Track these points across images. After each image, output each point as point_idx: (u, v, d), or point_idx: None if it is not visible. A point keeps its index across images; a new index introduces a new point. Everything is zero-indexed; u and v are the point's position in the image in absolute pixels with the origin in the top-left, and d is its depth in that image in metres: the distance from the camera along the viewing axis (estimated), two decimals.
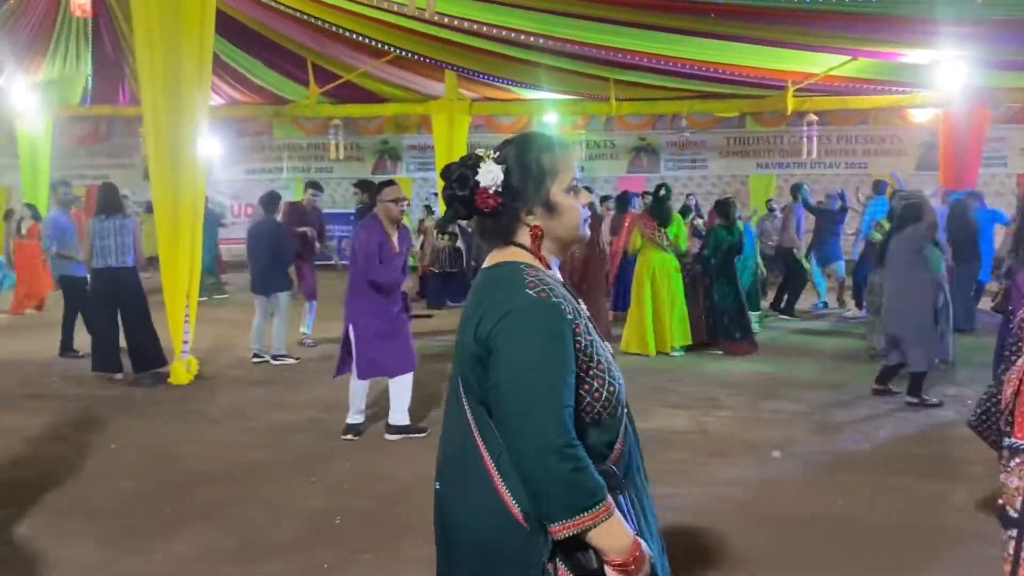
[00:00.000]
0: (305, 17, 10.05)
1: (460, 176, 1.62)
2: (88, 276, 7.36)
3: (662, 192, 8.27)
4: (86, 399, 6.59)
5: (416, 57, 11.26)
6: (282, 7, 9.84)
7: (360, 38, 10.61)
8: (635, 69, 10.59)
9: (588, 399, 1.56)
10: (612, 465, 1.59)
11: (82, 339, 7.77)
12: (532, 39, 9.46)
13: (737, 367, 7.74)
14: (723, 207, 8.52)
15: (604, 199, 10.08)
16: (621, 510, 1.54)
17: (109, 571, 3.58)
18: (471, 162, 1.63)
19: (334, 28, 10.31)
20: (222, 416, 6.11)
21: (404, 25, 9.44)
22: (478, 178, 1.60)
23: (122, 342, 7.23)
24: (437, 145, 13.47)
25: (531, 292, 1.53)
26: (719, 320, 8.36)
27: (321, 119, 14.42)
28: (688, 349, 8.31)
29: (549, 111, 13.53)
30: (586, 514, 1.46)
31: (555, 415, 1.47)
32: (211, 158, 13.72)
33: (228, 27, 10.29)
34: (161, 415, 6.14)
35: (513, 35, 9.34)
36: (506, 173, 1.61)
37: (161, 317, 7.00)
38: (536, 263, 1.63)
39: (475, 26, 9.19)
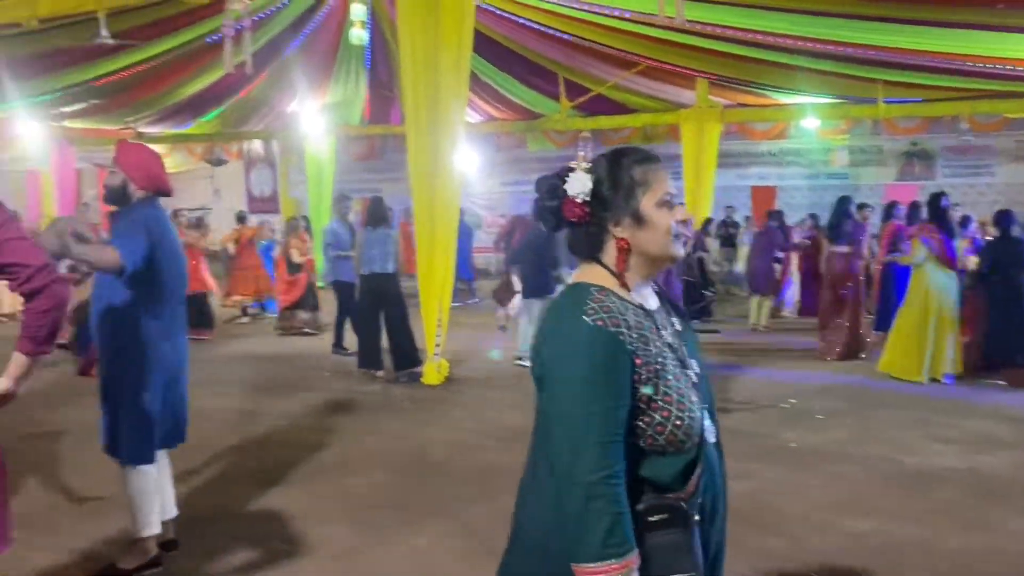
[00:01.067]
0: (557, 34, 10.29)
1: (550, 186, 1.62)
2: (357, 281, 8.07)
3: (942, 201, 7.52)
4: (351, 393, 7.20)
5: (666, 66, 11.12)
6: (536, 25, 10.16)
7: (610, 50, 10.67)
8: (908, 69, 9.67)
9: (649, 431, 1.52)
10: (682, 500, 1.52)
11: (351, 338, 8.52)
12: (789, 42, 8.98)
13: (1021, 400, 6.82)
14: (1005, 218, 7.57)
15: (861, 207, 9.30)
16: (680, 548, 1.49)
17: (357, 557, 3.85)
18: (562, 173, 1.62)
19: (585, 42, 10.47)
20: (467, 417, 6.40)
21: (653, 35, 9.36)
22: (566, 187, 1.59)
23: (385, 342, 7.86)
24: (685, 154, 13.22)
25: (587, 319, 1.50)
26: (1000, 345, 7.40)
27: (571, 132, 14.70)
28: (960, 377, 7.45)
29: (808, 115, 12.78)
30: (600, 564, 1.43)
31: (592, 449, 1.44)
32: (468, 172, 14.55)
33: (486, 47, 10.81)
34: (413, 413, 6.56)
35: (768, 39, 8.91)
36: (595, 183, 1.59)
37: (418, 321, 7.50)
38: (613, 285, 1.59)
39: (727, 31, 8.89)
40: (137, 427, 3.44)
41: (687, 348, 1.67)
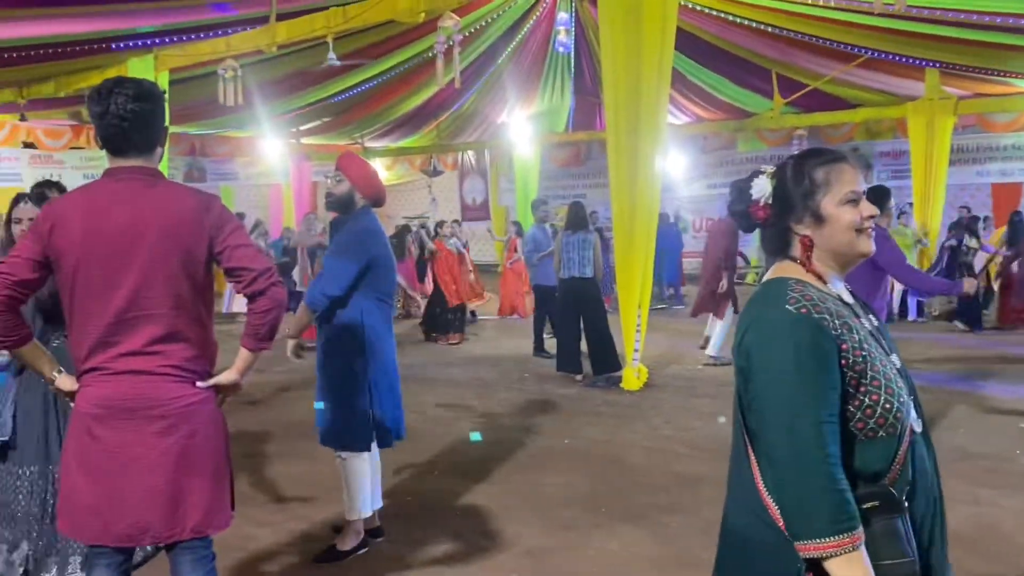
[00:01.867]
0: (769, 29, 9.89)
1: (739, 190, 1.74)
2: (557, 285, 8.21)
3: None
4: (549, 395, 7.32)
5: (890, 57, 10.34)
6: (746, 21, 9.82)
7: (827, 43, 10.10)
8: None
9: (859, 415, 1.54)
10: (889, 486, 1.55)
11: (552, 342, 8.66)
12: None
13: None
14: None
15: None
16: (895, 534, 1.50)
17: (550, 556, 3.89)
18: (750, 177, 1.73)
19: (799, 36, 9.98)
20: (666, 424, 6.29)
21: (874, 24, 8.73)
22: (751, 191, 1.70)
23: (584, 346, 7.93)
24: (913, 150, 12.22)
25: (791, 308, 1.56)
26: None
27: (785, 130, 14.07)
28: None
29: None
30: (829, 539, 1.44)
31: (811, 429, 1.48)
32: (673, 174, 14.32)
33: (692, 47, 10.61)
34: (611, 417, 6.55)
35: (1008, 20, 8.03)
36: (778, 186, 1.69)
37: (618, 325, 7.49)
38: (807, 278, 1.65)
39: (958, 15, 8.11)
40: (355, 417, 3.72)
41: (886, 342, 1.70)
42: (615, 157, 7.21)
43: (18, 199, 3.42)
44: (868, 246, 1.66)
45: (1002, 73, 10.66)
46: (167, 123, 2.44)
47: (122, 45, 8.70)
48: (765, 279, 1.71)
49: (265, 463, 5.25)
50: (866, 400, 1.54)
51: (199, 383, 2.39)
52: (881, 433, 1.55)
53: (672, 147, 13.01)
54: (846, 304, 1.65)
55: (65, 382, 2.40)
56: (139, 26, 8.10)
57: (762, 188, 1.70)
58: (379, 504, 4.01)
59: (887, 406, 1.54)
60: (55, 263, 2.28)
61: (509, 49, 11.78)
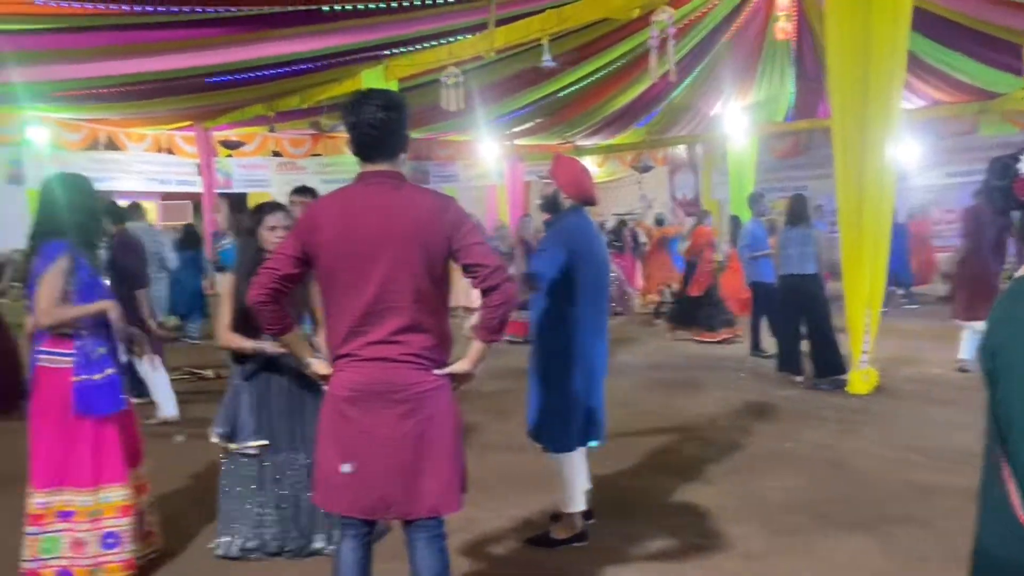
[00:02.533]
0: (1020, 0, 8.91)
1: (1003, 165, 1.56)
2: (776, 282, 7.88)
3: None
4: (768, 396, 7.05)
5: None
6: None
7: None
8: None
9: None
10: None
11: (770, 340, 8.34)
12: None
13: None
14: None
15: None
16: None
17: (772, 561, 3.77)
18: (1019, 152, 1.55)
19: None
20: (899, 431, 5.86)
21: None
22: (1020, 166, 1.51)
23: (805, 346, 7.56)
24: None
25: None
26: None
27: None
28: None
29: None
30: None
31: None
32: (907, 163, 13.26)
33: (927, 24, 9.77)
34: (836, 421, 6.21)
35: None
36: None
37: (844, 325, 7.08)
38: None
39: None
40: (558, 417, 3.81)
41: None
42: (842, 147, 6.80)
43: (268, 208, 3.78)
44: None
45: None
46: (407, 130, 2.63)
47: (357, 58, 9.43)
48: (1019, 274, 1.55)
49: (487, 451, 5.49)
50: None
51: (436, 371, 2.56)
52: None
53: (905, 134, 12.05)
54: None
55: (320, 366, 2.67)
56: (371, 39, 8.74)
57: None
58: (586, 486, 4.06)
59: None
60: (313, 260, 2.54)
61: (724, 39, 11.46)
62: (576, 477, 3.90)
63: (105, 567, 3.40)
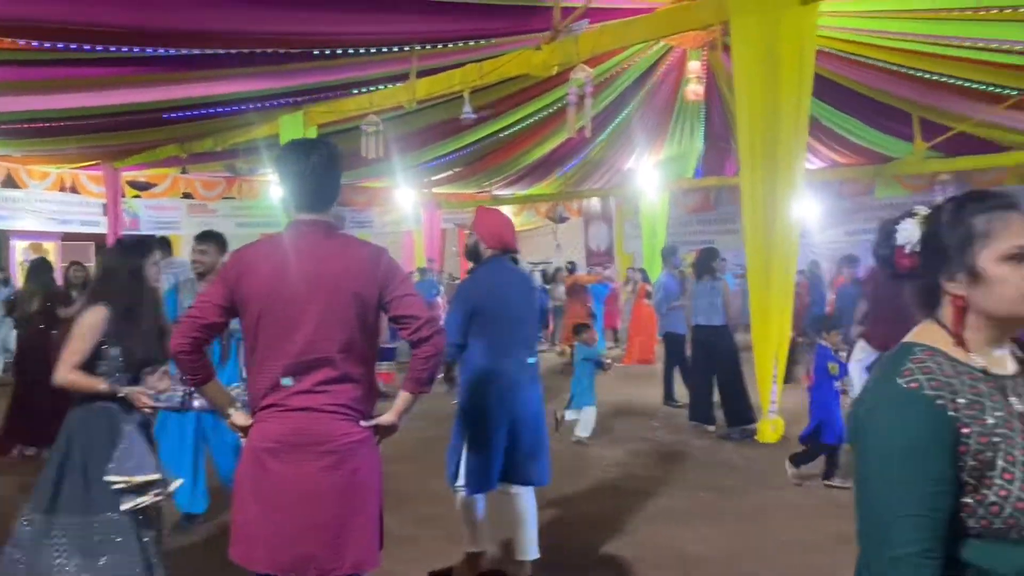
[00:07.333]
0: (910, 72, 9.56)
1: (886, 233, 1.52)
2: (687, 334, 8.09)
3: None
4: (681, 445, 7.19)
5: None
6: (885, 64, 9.53)
7: (974, 85, 9.65)
8: None
9: (982, 512, 1.35)
10: None
11: (682, 390, 8.52)
12: None
13: None
14: None
15: None
16: None
17: None
18: (900, 218, 1.51)
19: (943, 78, 9.58)
20: (803, 479, 6.05)
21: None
22: (896, 235, 1.49)
23: (717, 396, 7.75)
24: None
25: (901, 382, 1.38)
26: None
27: (927, 175, 13.45)
28: None
29: None
30: None
31: (900, 522, 1.33)
32: (808, 221, 13.90)
33: (828, 90, 10.36)
34: (746, 470, 6.37)
35: None
36: (930, 232, 1.46)
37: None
38: (945, 345, 1.43)
39: None
40: (473, 459, 3.87)
41: None
42: (750, 204, 7.08)
43: (150, 246, 3.49)
44: None
45: None
46: None
47: (276, 103, 9.34)
48: (902, 341, 1.52)
49: (405, 501, 5.38)
50: (991, 495, 1.34)
51: (362, 422, 2.53)
52: (1013, 535, 1.34)
53: (807, 193, 12.66)
54: (994, 379, 1.42)
55: (240, 417, 2.59)
56: (291, 84, 8.68)
57: (908, 234, 1.48)
58: (530, 556, 4.06)
59: (1020, 504, 1.32)
60: (241, 308, 2.48)
61: (638, 98, 11.87)
62: (478, 519, 4.02)
63: None
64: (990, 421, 1.36)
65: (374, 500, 2.55)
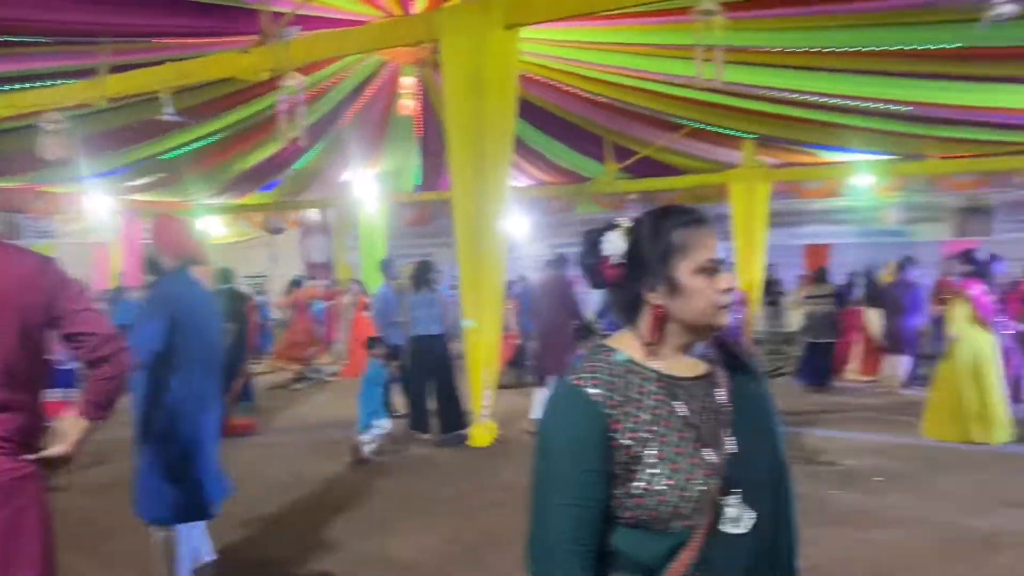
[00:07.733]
0: (602, 99, 10.49)
1: (592, 243, 1.55)
2: (404, 344, 8.17)
3: (980, 256, 7.42)
4: (397, 455, 7.26)
5: (711, 128, 11.21)
6: (580, 91, 10.37)
7: (655, 114, 10.82)
8: (957, 124, 9.60)
9: (628, 504, 1.44)
10: None
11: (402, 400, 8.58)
12: (835, 100, 9.01)
13: None
14: None
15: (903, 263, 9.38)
16: None
17: None
18: (605, 228, 1.55)
19: (629, 106, 10.64)
20: (514, 477, 6.35)
21: (697, 98, 9.47)
22: (601, 247, 1.53)
23: (433, 404, 7.91)
24: (735, 214, 13.20)
25: (571, 379, 1.48)
26: None
27: (619, 194, 14.81)
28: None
29: (860, 173, 12.67)
30: None
31: (553, 512, 1.42)
32: (517, 235, 14.70)
33: (533, 114, 11.06)
34: (460, 473, 6.56)
35: (813, 98, 8.96)
36: (631, 245, 1.51)
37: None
38: (636, 350, 1.52)
39: (771, 92, 8.97)
40: (159, 490, 3.56)
41: (740, 423, 1.52)
42: (461, 218, 7.34)
43: None
44: (723, 320, 1.50)
45: (809, 145, 11.80)
46: None
47: None
48: (596, 343, 1.60)
49: (101, 539, 4.87)
50: (635, 488, 1.42)
51: (27, 456, 2.22)
52: (656, 526, 1.43)
53: (517, 209, 13.38)
54: (667, 382, 1.49)
55: None
56: None
57: (614, 245, 1.51)
58: (206, 558, 3.85)
59: (661, 498, 1.40)
60: None
61: (352, 110, 11.82)
62: (177, 551, 3.70)
63: None
64: (644, 418, 1.44)
65: (43, 543, 2.25)
